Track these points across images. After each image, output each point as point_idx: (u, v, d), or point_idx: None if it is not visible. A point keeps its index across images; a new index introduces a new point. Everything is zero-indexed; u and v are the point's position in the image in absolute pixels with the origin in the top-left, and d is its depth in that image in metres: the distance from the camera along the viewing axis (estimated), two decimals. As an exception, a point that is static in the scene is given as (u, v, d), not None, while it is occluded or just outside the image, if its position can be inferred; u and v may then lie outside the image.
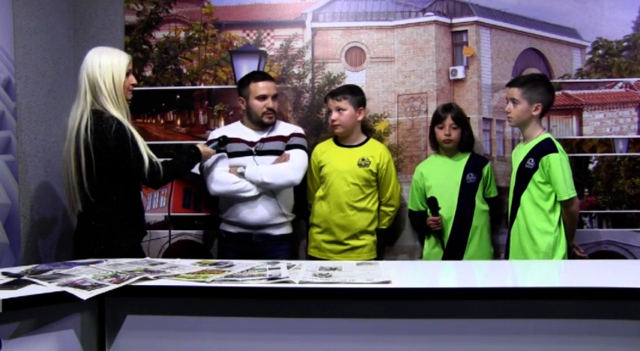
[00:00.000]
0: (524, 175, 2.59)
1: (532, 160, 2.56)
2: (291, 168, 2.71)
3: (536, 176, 2.54)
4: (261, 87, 2.78)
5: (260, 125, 2.82)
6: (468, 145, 2.86)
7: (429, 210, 2.82)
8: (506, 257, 2.69)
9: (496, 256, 3.02)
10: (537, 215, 2.55)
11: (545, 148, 2.55)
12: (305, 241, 3.09)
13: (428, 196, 2.82)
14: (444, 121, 2.81)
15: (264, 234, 2.77)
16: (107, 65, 2.31)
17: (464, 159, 2.85)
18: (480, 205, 2.81)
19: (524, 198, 2.58)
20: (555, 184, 2.51)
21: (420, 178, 2.90)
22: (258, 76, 2.85)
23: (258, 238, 2.77)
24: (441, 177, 2.84)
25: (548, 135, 2.62)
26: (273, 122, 2.83)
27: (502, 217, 3.01)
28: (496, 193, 2.91)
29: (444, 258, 2.80)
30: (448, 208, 2.79)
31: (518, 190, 2.61)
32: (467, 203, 2.80)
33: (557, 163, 2.50)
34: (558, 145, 2.56)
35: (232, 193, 2.72)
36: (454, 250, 2.79)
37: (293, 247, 2.99)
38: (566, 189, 2.50)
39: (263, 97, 2.77)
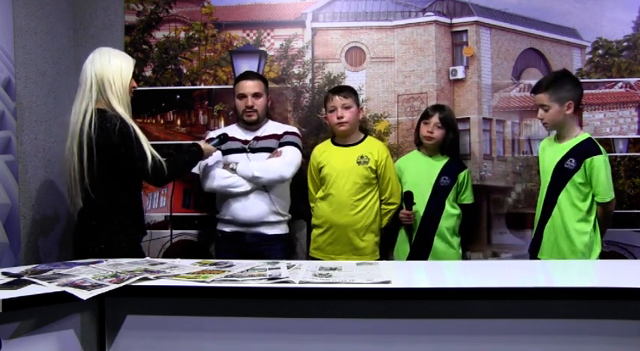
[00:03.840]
0: (563, 174, 2.55)
1: (573, 160, 2.52)
2: (282, 163, 2.72)
3: (577, 177, 2.51)
4: (241, 86, 2.83)
5: (247, 124, 2.84)
6: (449, 149, 2.86)
7: (403, 203, 2.83)
8: (533, 255, 2.66)
9: (494, 256, 3.03)
10: (575, 215, 2.52)
11: (589, 149, 2.51)
12: (304, 243, 3.09)
13: (403, 190, 2.84)
14: (430, 119, 2.82)
15: (258, 233, 2.78)
16: (117, 66, 2.33)
17: (442, 161, 2.86)
18: (450, 209, 2.81)
19: (562, 198, 2.55)
20: (597, 186, 2.49)
21: (397, 171, 2.92)
22: (241, 75, 2.90)
23: (252, 237, 2.78)
24: (417, 175, 2.86)
25: (588, 135, 2.59)
26: (255, 121, 2.83)
27: (502, 217, 3.02)
28: (471, 201, 2.90)
29: (410, 255, 2.82)
30: (418, 207, 2.81)
31: (554, 189, 2.57)
32: (437, 204, 2.81)
33: (602, 165, 2.48)
34: (600, 146, 2.54)
35: (224, 188, 2.74)
36: (420, 249, 2.81)
37: (290, 247, 2.99)
38: (608, 191, 2.50)
39: (242, 96, 2.81)
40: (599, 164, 2.48)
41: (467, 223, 2.91)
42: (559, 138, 2.64)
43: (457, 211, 2.84)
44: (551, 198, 2.59)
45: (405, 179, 2.88)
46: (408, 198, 2.79)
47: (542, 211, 2.64)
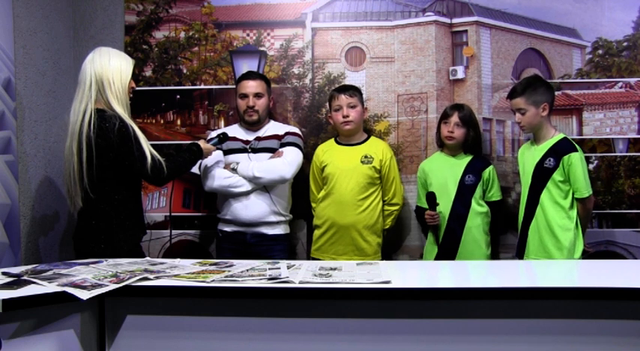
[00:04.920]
0: (543, 174, 2.61)
1: (552, 159, 2.59)
2: (283, 163, 2.72)
3: (556, 175, 2.58)
4: (243, 86, 2.83)
5: (249, 124, 2.84)
6: (472, 147, 2.85)
7: (427, 204, 2.82)
8: (519, 256, 2.70)
9: (494, 256, 3.03)
10: (558, 213, 2.58)
11: (566, 147, 2.59)
12: (304, 243, 3.09)
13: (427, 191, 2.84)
14: (450, 118, 2.83)
15: (259, 233, 2.78)
16: (116, 66, 2.33)
17: (465, 160, 2.85)
18: (476, 207, 2.80)
19: (544, 197, 2.60)
20: (576, 182, 2.56)
21: (422, 174, 2.93)
22: (243, 75, 2.90)
23: (253, 237, 2.78)
24: (441, 175, 2.85)
25: (563, 134, 2.66)
26: (256, 121, 2.83)
27: (505, 218, 3.03)
28: (499, 197, 2.89)
29: (438, 255, 2.81)
30: (445, 207, 2.80)
31: (536, 189, 2.63)
32: (463, 203, 2.80)
33: (579, 161, 2.55)
34: (576, 144, 2.61)
35: (224, 188, 2.74)
36: (448, 249, 2.80)
37: (290, 248, 2.99)
38: (586, 187, 2.57)
39: (244, 96, 2.82)
40: (576, 161, 2.55)
41: (497, 220, 2.89)
42: (536, 140, 2.70)
43: (484, 209, 2.82)
44: (534, 198, 2.64)
45: (430, 181, 2.87)
46: (430, 199, 2.78)
47: (525, 213, 2.68)
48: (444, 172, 2.85)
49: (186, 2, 3.20)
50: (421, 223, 3.00)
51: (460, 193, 2.81)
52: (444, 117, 2.86)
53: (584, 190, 2.56)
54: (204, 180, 2.77)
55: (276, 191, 2.79)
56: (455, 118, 2.81)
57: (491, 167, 2.88)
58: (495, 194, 2.88)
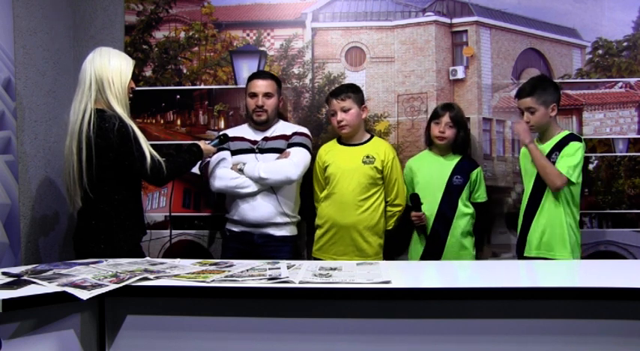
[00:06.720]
0: None
1: (557, 153, 2.59)
2: (289, 164, 2.71)
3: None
4: (253, 85, 2.82)
5: (257, 124, 2.83)
6: (461, 147, 2.85)
7: (411, 205, 2.81)
8: (519, 255, 2.69)
9: (494, 256, 3.03)
10: (563, 210, 2.57)
11: (569, 139, 2.59)
12: (308, 243, 3.08)
13: (413, 191, 2.84)
14: (441, 118, 2.82)
15: (266, 234, 2.77)
16: (116, 66, 2.33)
17: (454, 160, 2.85)
18: (463, 208, 2.80)
19: (548, 195, 2.59)
20: (561, 160, 2.54)
21: (409, 172, 2.92)
22: (254, 74, 2.90)
23: (260, 237, 2.77)
24: (429, 175, 2.85)
25: (568, 131, 2.66)
26: (264, 121, 2.82)
27: (502, 217, 3.03)
28: (484, 199, 2.88)
29: (423, 255, 2.81)
30: (431, 207, 2.80)
31: (540, 186, 2.61)
32: (449, 204, 2.79)
33: (574, 148, 2.54)
34: (580, 137, 2.63)
35: (231, 189, 2.73)
36: (433, 249, 2.80)
37: (297, 249, 2.98)
38: (568, 169, 2.52)
39: (254, 95, 2.80)
40: (574, 146, 2.54)
41: (482, 221, 2.89)
42: (541, 140, 2.70)
43: (470, 211, 2.81)
44: (537, 196, 2.63)
45: (417, 180, 2.87)
46: (414, 200, 2.77)
47: (526, 211, 2.67)
48: (431, 172, 2.85)
49: (186, 2, 3.20)
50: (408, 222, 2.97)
51: (448, 194, 2.80)
52: (435, 117, 2.85)
53: (564, 169, 2.51)
54: (211, 180, 2.76)
55: (282, 192, 2.78)
56: (446, 118, 2.81)
57: (479, 168, 2.87)
58: (481, 195, 2.87)
